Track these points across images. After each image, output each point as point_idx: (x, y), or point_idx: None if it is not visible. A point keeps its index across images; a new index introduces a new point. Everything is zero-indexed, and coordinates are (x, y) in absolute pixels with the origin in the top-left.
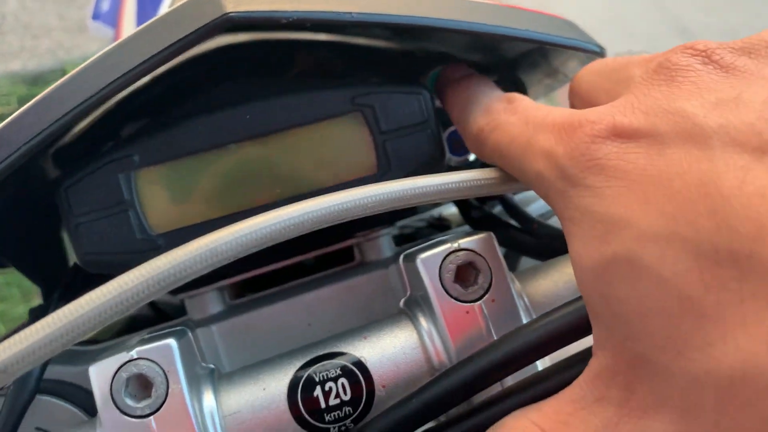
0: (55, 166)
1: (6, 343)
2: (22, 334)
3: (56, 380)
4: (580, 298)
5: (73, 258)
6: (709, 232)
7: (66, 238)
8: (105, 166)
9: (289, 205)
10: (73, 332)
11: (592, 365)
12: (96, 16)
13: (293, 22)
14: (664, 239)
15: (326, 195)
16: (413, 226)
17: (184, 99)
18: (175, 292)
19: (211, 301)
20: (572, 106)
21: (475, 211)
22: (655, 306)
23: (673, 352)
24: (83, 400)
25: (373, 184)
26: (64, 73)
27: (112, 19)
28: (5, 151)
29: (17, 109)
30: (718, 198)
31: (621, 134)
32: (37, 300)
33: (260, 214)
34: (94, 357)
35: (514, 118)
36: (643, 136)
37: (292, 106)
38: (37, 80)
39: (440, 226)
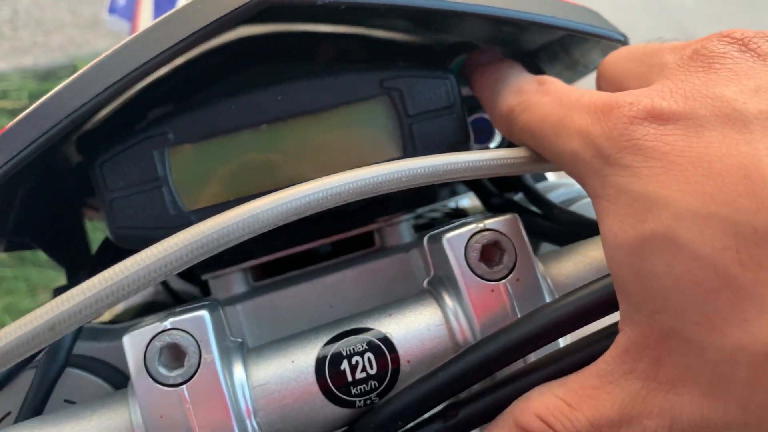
0: (78, 152)
1: (55, 302)
2: (72, 292)
3: (83, 355)
4: (602, 278)
5: (94, 245)
6: (749, 213)
7: (88, 225)
8: (140, 143)
9: (324, 178)
10: (121, 291)
11: (620, 340)
12: (112, 9)
13: (329, 5)
14: (703, 218)
15: (361, 168)
16: (429, 216)
17: (217, 81)
18: (200, 271)
19: (235, 282)
20: (599, 89)
21: (495, 198)
22: (692, 282)
23: (707, 326)
24: (110, 374)
25: (407, 159)
26: (75, 69)
27: (129, 12)
28: (41, 127)
29: (28, 105)
30: (758, 180)
31: (659, 117)
32: (43, 294)
33: (298, 185)
34: (120, 334)
35: (547, 99)
36: (681, 119)
37: (322, 89)
38: (48, 76)
39: (457, 216)
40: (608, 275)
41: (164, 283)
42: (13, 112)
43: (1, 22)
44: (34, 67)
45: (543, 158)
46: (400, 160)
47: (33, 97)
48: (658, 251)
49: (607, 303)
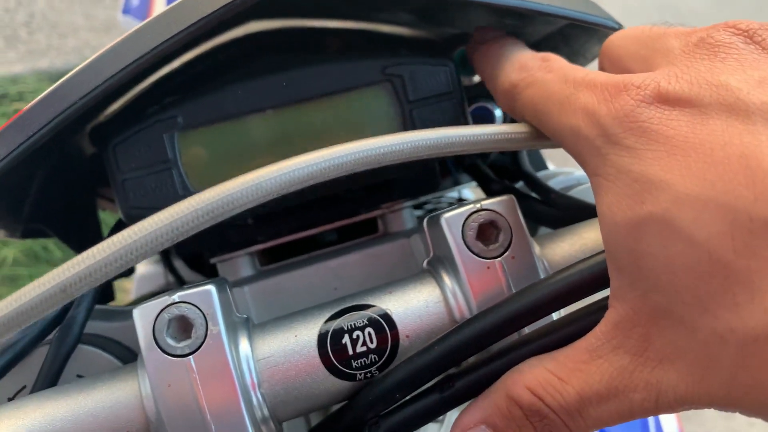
0: (92, 143)
1: (67, 265)
2: (83, 255)
3: (95, 334)
4: (595, 255)
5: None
6: (746, 202)
7: (101, 214)
8: (151, 126)
9: (328, 148)
10: (129, 255)
11: (610, 316)
12: (126, 10)
13: None
14: (701, 203)
15: (365, 140)
16: (433, 207)
17: (225, 69)
18: (209, 255)
19: (242, 265)
20: (601, 68)
21: (495, 185)
22: (686, 265)
23: (699, 308)
24: (120, 352)
25: (410, 132)
26: None
27: (143, 13)
28: (56, 108)
29: None
30: (758, 171)
31: (666, 101)
32: None
33: (302, 155)
34: (130, 315)
35: (551, 76)
36: (686, 105)
37: (326, 75)
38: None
39: None
40: (601, 252)
41: (174, 274)
42: None
43: (17, 26)
44: (49, 69)
45: (543, 135)
46: (404, 132)
47: None
48: (655, 232)
49: (599, 279)
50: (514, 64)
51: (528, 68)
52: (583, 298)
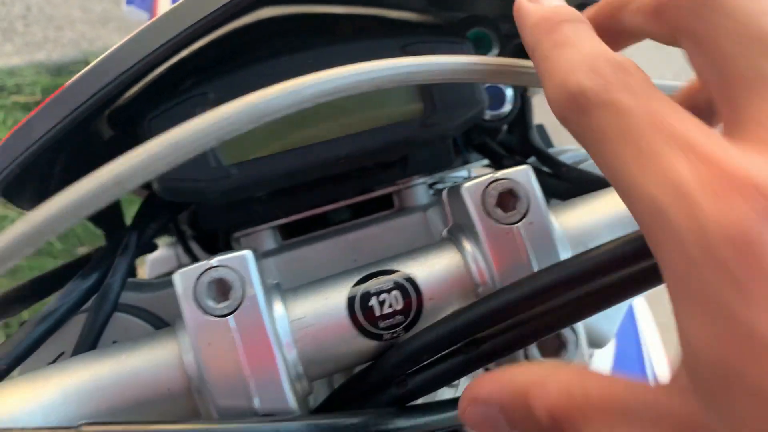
0: (110, 127)
1: (121, 158)
2: (138, 149)
3: (127, 304)
4: (624, 237)
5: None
6: None
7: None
8: (184, 102)
9: (353, 65)
10: (179, 152)
11: (658, 394)
12: (130, 0)
13: None
14: None
15: (384, 60)
16: (445, 185)
17: (250, 49)
18: (232, 230)
19: (265, 238)
20: (607, 37)
21: (507, 160)
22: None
23: None
24: (153, 320)
25: (422, 56)
26: (86, 63)
27: (147, 4)
28: (92, 89)
29: (41, 99)
30: None
31: None
32: None
33: (317, 72)
34: (160, 286)
35: (634, 104)
36: None
37: (349, 53)
38: (60, 70)
39: None
40: (634, 233)
41: (191, 255)
42: (27, 106)
43: (13, 18)
44: (46, 61)
45: None
46: (416, 57)
47: (46, 92)
48: (745, 400)
49: (632, 256)
50: (583, 59)
51: (602, 74)
52: (615, 273)
